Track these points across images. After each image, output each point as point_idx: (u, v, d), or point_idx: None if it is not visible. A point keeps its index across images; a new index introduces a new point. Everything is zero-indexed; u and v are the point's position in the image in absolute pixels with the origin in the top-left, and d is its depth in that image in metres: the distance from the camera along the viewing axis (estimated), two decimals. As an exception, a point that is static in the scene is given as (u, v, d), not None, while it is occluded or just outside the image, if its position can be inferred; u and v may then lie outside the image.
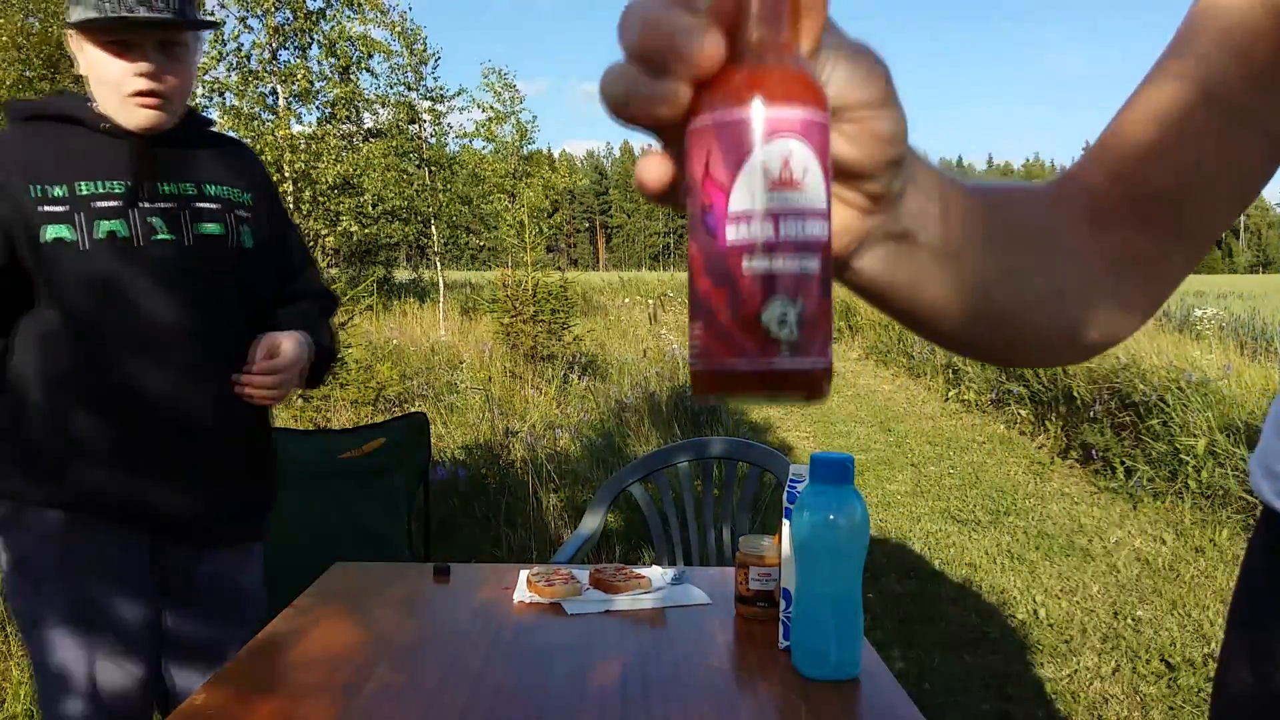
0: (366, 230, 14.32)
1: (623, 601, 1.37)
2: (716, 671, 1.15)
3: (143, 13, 1.32)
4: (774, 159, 0.30)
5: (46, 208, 1.33)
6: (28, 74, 12.05)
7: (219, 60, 12.50)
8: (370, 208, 14.08)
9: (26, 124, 1.40)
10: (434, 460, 4.59)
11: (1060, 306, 0.50)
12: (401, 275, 21.02)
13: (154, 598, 1.45)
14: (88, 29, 1.34)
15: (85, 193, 1.35)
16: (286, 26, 12.85)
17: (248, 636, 1.27)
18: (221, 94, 12.84)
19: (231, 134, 12.79)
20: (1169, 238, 0.52)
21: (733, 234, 0.30)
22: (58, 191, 1.34)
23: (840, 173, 0.36)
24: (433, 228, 14.91)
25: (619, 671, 1.13)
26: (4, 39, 11.70)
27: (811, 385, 0.31)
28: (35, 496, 1.38)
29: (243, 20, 12.45)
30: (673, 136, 0.32)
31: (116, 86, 1.36)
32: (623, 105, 0.31)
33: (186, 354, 1.41)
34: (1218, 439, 4.60)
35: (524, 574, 1.48)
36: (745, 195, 0.30)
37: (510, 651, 1.20)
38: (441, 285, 13.99)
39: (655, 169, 0.33)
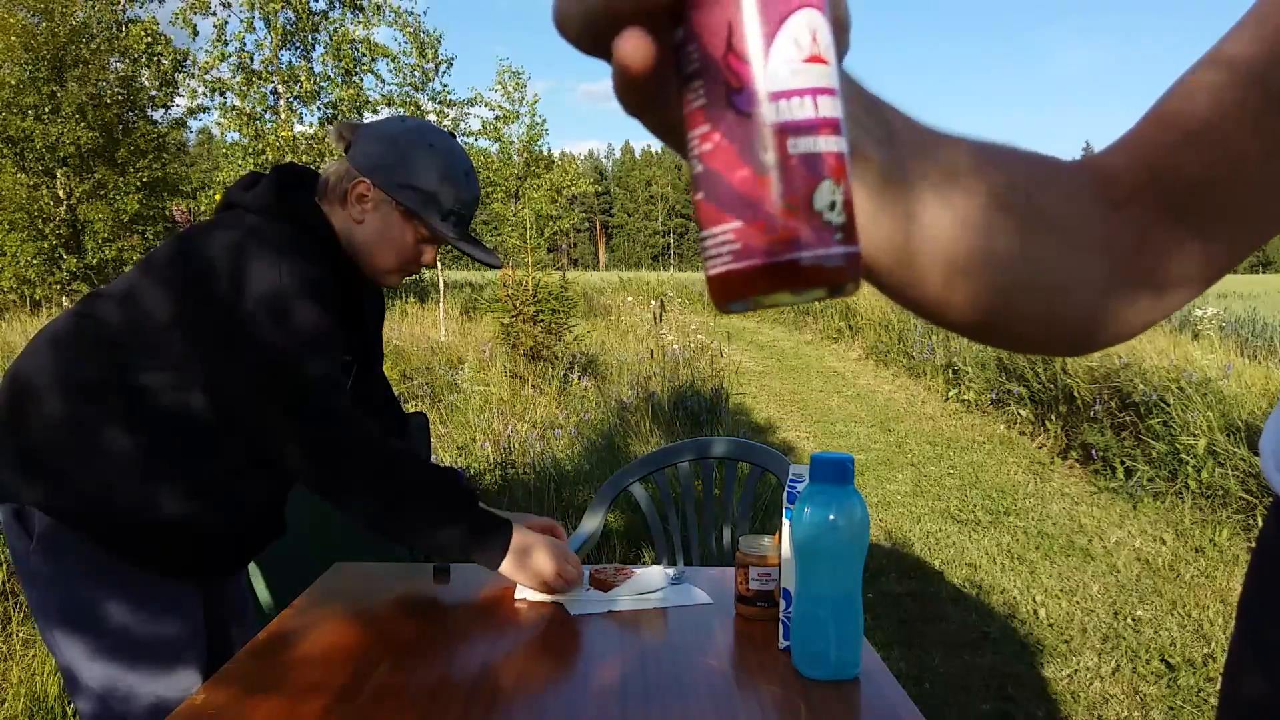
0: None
1: (624, 602, 1.38)
2: (716, 671, 1.15)
3: (474, 240, 1.45)
4: (803, 31, 0.28)
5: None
6: (32, 75, 12.04)
7: (221, 60, 12.49)
8: (370, 208, 14.06)
9: (298, 233, 1.34)
10: (434, 460, 4.58)
11: (1055, 282, 0.47)
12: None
13: (203, 619, 1.43)
14: (418, 219, 1.38)
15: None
16: (290, 28, 12.83)
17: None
18: (223, 93, 12.85)
19: (234, 135, 12.64)
20: (1191, 232, 0.47)
21: (773, 114, 0.28)
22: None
23: None
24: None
25: (619, 671, 1.13)
26: (11, 39, 11.69)
27: (857, 272, 0.29)
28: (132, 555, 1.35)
29: (248, 22, 12.43)
30: (655, 24, 0.29)
31: (401, 261, 1.43)
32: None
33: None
34: (1218, 439, 4.59)
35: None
36: (783, 71, 0.28)
37: (510, 651, 1.20)
38: (442, 285, 13.98)
39: (640, 46, 0.28)
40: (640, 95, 0.32)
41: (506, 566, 1.32)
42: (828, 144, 0.28)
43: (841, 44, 0.33)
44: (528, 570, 1.33)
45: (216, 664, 1.37)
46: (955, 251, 0.43)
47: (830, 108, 0.29)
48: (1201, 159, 0.47)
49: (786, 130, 0.28)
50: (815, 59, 0.28)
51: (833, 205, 0.28)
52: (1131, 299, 0.49)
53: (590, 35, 0.29)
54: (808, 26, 0.28)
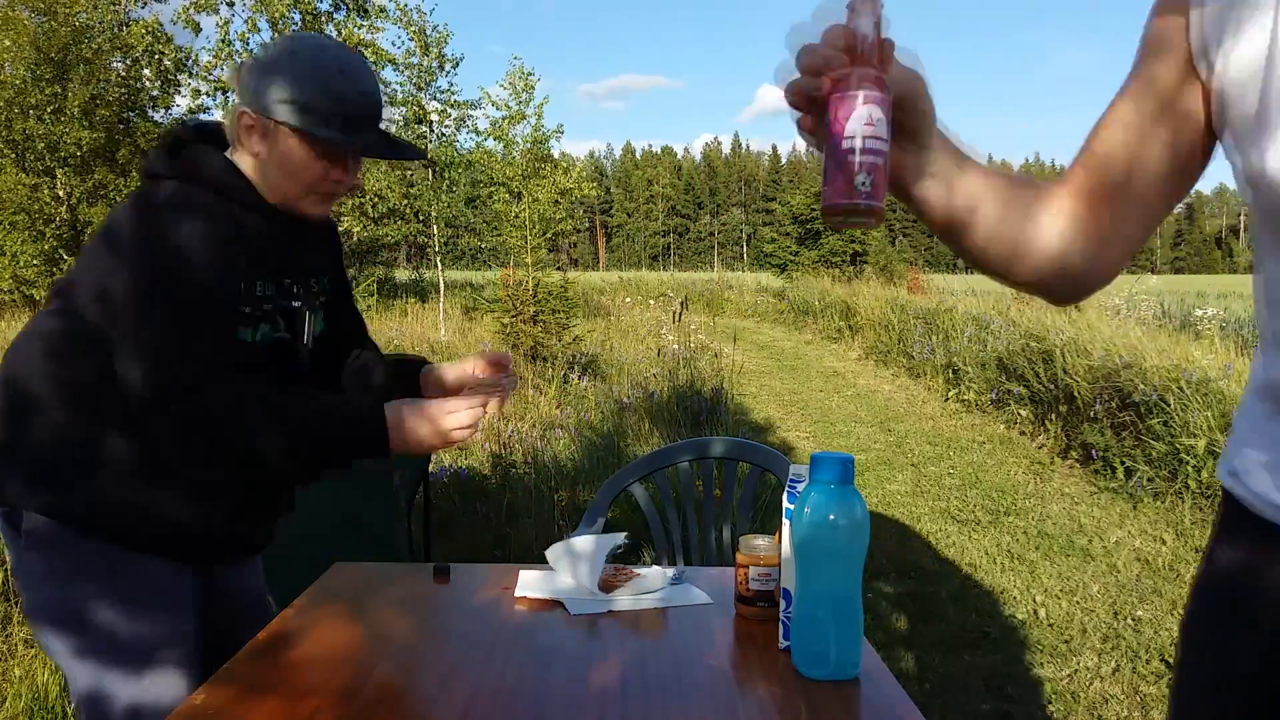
0: (367, 230, 14.32)
1: (624, 602, 1.38)
2: (716, 671, 1.15)
3: (373, 141, 1.33)
4: (864, 114, 0.66)
5: (243, 308, 1.31)
6: (36, 75, 12.03)
7: (224, 59, 12.47)
8: (371, 207, 14.06)
9: (190, 189, 1.28)
10: (434, 460, 4.58)
11: (1044, 240, 0.82)
12: (402, 275, 21.03)
13: (195, 618, 1.40)
14: (299, 131, 1.30)
15: (260, 294, 1.33)
16: (296, 30, 12.79)
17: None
18: (225, 93, 12.83)
19: None
20: (1121, 213, 0.82)
21: (845, 145, 0.67)
22: (242, 287, 1.30)
23: (903, 133, 0.73)
24: (433, 227, 14.89)
25: (619, 671, 1.13)
26: (23, 39, 11.68)
27: (875, 213, 0.68)
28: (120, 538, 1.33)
29: (251, 22, 12.40)
30: (814, 107, 0.69)
31: (309, 184, 1.34)
32: (795, 93, 0.69)
33: None
34: (1218, 439, 4.59)
35: (523, 573, 1.48)
36: (853, 127, 0.66)
37: (510, 651, 1.20)
38: (441, 285, 13.98)
39: (809, 122, 0.70)
40: (810, 135, 0.71)
41: (396, 448, 1.28)
42: (869, 159, 0.67)
43: (927, 119, 0.75)
44: (414, 446, 1.29)
45: (219, 659, 1.38)
46: (992, 237, 0.82)
47: (873, 144, 0.66)
48: (1121, 160, 0.81)
49: (849, 151, 0.67)
50: (870, 124, 0.66)
51: (863, 184, 0.67)
52: (1100, 257, 0.83)
53: (796, 102, 0.70)
54: (868, 112, 0.66)
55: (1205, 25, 0.73)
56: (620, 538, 1.49)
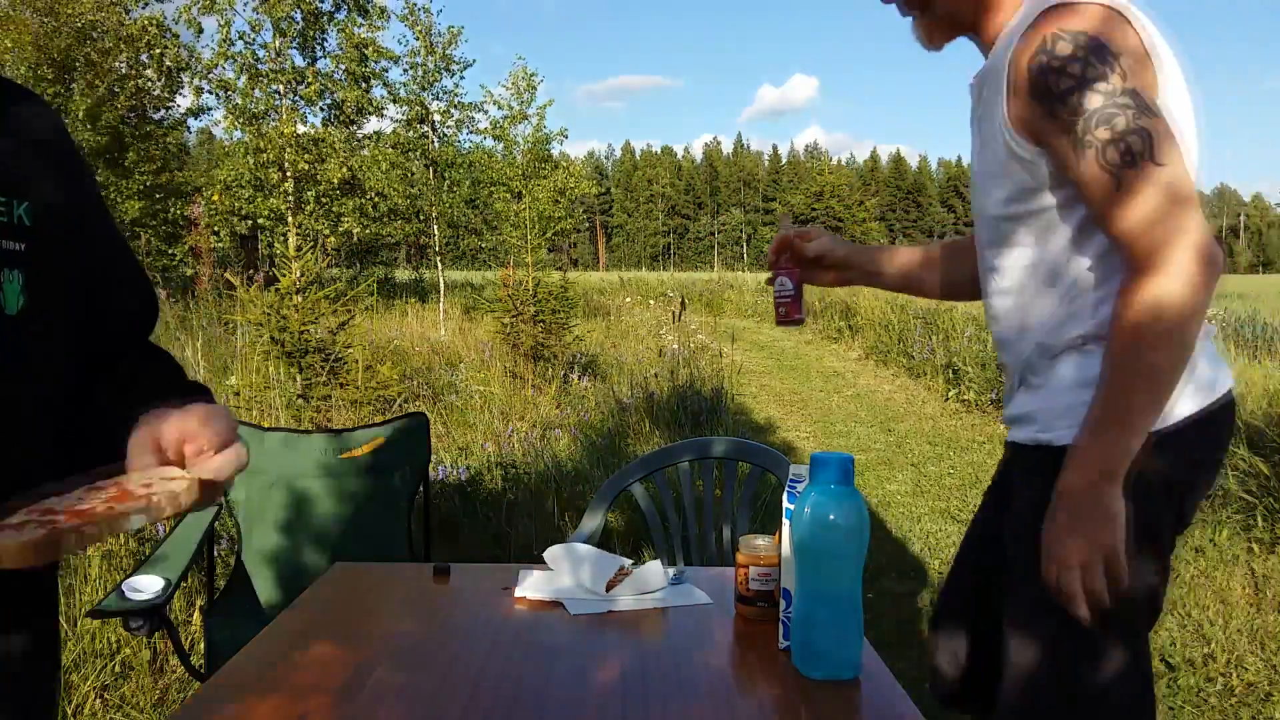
0: (368, 230, 14.33)
1: (624, 601, 1.38)
2: (716, 671, 1.15)
3: None
4: (778, 282, 1.55)
5: None
6: (37, 75, 12.04)
7: (225, 59, 12.48)
8: (371, 207, 14.07)
9: None
10: (434, 460, 4.58)
11: (963, 288, 1.54)
12: (402, 275, 21.04)
13: None
14: None
15: None
16: (298, 31, 12.78)
17: None
18: (227, 92, 12.86)
19: (239, 135, 12.38)
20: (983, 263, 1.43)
21: (777, 294, 1.56)
22: None
23: (846, 267, 1.58)
24: (434, 227, 14.90)
25: (619, 671, 1.13)
26: (24, 39, 11.69)
27: (794, 323, 1.56)
28: None
29: (255, 24, 12.39)
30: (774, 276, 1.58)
31: None
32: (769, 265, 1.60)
33: None
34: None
35: (523, 573, 1.48)
36: (776, 290, 1.56)
37: (510, 651, 1.20)
38: (441, 285, 13.98)
39: (770, 275, 1.59)
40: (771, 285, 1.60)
41: None
42: (783, 299, 1.56)
43: (844, 266, 1.61)
44: None
45: None
46: (937, 284, 1.60)
47: (784, 294, 1.55)
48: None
49: (778, 297, 1.56)
50: (781, 288, 1.56)
51: (784, 310, 1.56)
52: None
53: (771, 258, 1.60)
54: (780, 280, 1.55)
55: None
56: (625, 561, 1.47)
